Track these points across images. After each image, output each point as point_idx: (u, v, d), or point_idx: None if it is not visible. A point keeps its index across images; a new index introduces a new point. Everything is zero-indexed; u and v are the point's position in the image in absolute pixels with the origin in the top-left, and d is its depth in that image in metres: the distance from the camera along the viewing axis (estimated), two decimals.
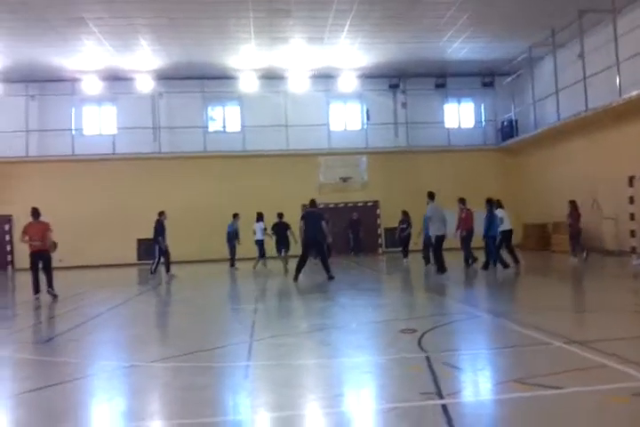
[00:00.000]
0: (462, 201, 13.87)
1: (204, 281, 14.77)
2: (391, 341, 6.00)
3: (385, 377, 4.64)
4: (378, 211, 22.25)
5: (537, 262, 16.28)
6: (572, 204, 15.14)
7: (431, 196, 13.25)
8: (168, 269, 15.05)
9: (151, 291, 12.85)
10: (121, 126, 22.09)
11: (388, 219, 20.52)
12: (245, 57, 20.20)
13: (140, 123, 21.85)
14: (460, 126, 23.83)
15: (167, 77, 21.66)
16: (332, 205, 21.79)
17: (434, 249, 13.21)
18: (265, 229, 16.48)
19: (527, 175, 21.86)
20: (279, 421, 3.67)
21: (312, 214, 12.35)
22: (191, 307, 9.78)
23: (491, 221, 13.22)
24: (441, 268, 12.63)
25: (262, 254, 16.45)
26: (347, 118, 23.50)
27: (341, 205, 22.09)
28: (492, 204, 13.50)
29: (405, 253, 16.73)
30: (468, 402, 3.93)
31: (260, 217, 16.72)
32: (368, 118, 22.94)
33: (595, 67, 16.26)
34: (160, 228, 14.91)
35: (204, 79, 21.80)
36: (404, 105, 23.08)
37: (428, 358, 4.88)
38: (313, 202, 12.71)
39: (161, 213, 15.27)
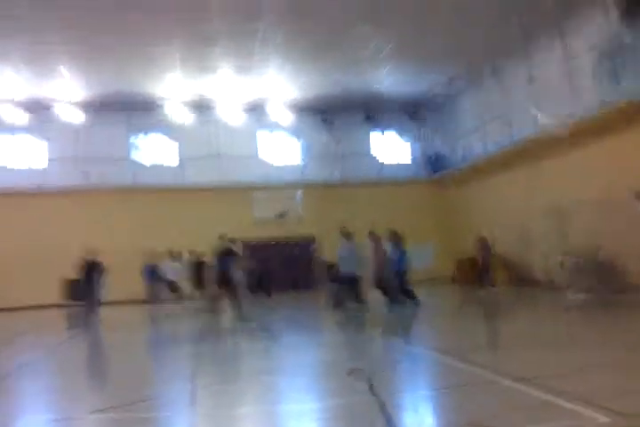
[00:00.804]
0: (374, 236, 13.73)
1: (135, 324, 14.03)
2: (339, 383, 5.83)
3: (336, 423, 4.46)
4: (313, 246, 22.18)
5: (461, 297, 16.81)
6: (482, 240, 15.93)
7: (345, 234, 13.06)
8: (92, 312, 13.56)
9: (81, 335, 12.06)
10: (46, 158, 21.20)
11: (325, 254, 20.45)
12: (172, 86, 19.94)
13: (63, 153, 20.97)
14: (391, 159, 24.45)
15: (92, 107, 21.00)
16: (272, 242, 21.61)
17: (340, 286, 13.07)
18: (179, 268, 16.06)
19: (458, 208, 22.56)
20: None
21: (225, 252, 12.19)
22: (126, 352, 9.21)
23: (401, 256, 13.16)
24: (337, 304, 12.68)
25: (175, 294, 15.97)
26: (280, 151, 23.62)
27: (277, 241, 21.87)
28: (399, 238, 13.42)
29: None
30: None
31: (175, 256, 16.20)
32: (302, 151, 23.20)
33: (520, 98, 17.16)
34: (89, 268, 13.62)
35: (129, 110, 21.33)
36: (339, 140, 23.50)
37: (378, 401, 4.75)
38: (224, 238, 12.55)
39: (91, 252, 13.95)
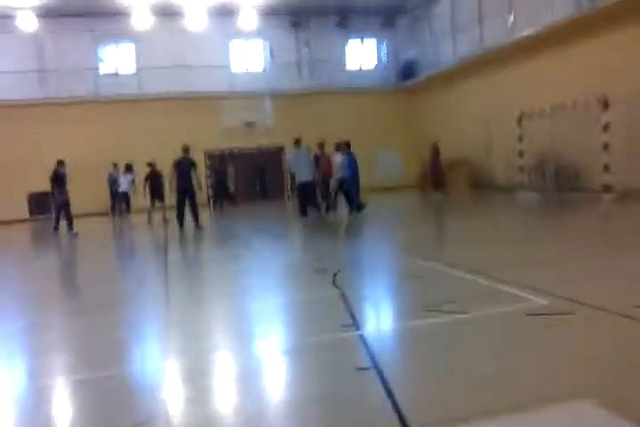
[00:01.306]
0: (321, 146, 14.02)
1: (100, 235, 14.13)
2: (306, 281, 6.18)
3: (303, 315, 4.80)
4: (283, 156, 22.15)
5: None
6: (433, 146, 16.83)
7: (296, 142, 13.26)
8: (70, 227, 13.35)
9: (52, 248, 12.20)
10: (1, 69, 20.15)
11: None
12: None
13: (24, 65, 19.98)
14: (361, 67, 23.93)
15: (52, 15, 19.78)
16: (236, 151, 21.52)
17: (298, 195, 13.38)
18: (133, 180, 16.09)
19: (426, 115, 22.56)
20: (199, 366, 3.66)
21: (184, 161, 12.13)
22: (95, 262, 9.40)
23: (349, 164, 13.45)
24: (303, 212, 13.07)
25: (127, 207, 16.13)
26: (249, 58, 22.82)
27: (246, 150, 21.80)
28: (346, 148, 13.65)
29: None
30: (384, 331, 4.22)
31: (128, 168, 16.17)
32: (271, 57, 22.42)
33: (492, 6, 16.78)
34: (57, 179, 13.31)
35: (92, 16, 20.13)
36: (307, 44, 22.71)
37: (342, 295, 5.10)
38: (186, 148, 12.35)
39: (59, 163, 13.49)
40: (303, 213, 13.09)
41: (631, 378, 2.91)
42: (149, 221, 15.13)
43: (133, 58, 21.60)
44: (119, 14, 20.25)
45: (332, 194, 13.67)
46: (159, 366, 3.73)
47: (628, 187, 12.08)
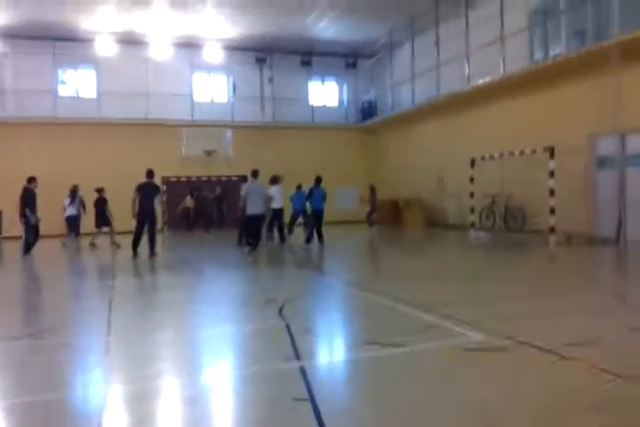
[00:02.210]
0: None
1: (52, 258, 13.77)
2: (255, 311, 6.22)
3: (249, 345, 4.85)
4: (242, 186, 22.15)
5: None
6: (371, 189, 19.22)
7: (253, 174, 13.12)
8: (27, 250, 12.58)
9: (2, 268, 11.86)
10: None
11: None
12: (103, 19, 18.93)
13: None
14: (324, 105, 24.52)
15: (14, 36, 19.64)
16: (194, 179, 21.53)
17: (245, 227, 13.13)
18: (82, 203, 15.76)
19: (384, 154, 23.16)
20: (137, 393, 3.65)
21: (148, 186, 11.78)
22: (44, 283, 9.30)
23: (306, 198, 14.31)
24: (254, 244, 12.56)
25: (76, 231, 15.51)
26: (212, 90, 23.07)
27: (205, 179, 21.81)
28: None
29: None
30: (324, 363, 4.30)
31: (72, 193, 15.52)
32: (234, 91, 22.72)
33: (450, 54, 17.60)
34: (28, 198, 12.32)
35: (55, 40, 20.08)
36: (271, 80, 23.16)
37: (287, 326, 5.17)
38: (150, 173, 11.95)
39: (30, 180, 12.42)
40: (240, 242, 13.19)
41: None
42: (91, 244, 15.20)
43: (93, 83, 21.41)
44: (82, 40, 20.21)
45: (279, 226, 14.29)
46: (98, 391, 3.71)
47: (572, 230, 12.65)
